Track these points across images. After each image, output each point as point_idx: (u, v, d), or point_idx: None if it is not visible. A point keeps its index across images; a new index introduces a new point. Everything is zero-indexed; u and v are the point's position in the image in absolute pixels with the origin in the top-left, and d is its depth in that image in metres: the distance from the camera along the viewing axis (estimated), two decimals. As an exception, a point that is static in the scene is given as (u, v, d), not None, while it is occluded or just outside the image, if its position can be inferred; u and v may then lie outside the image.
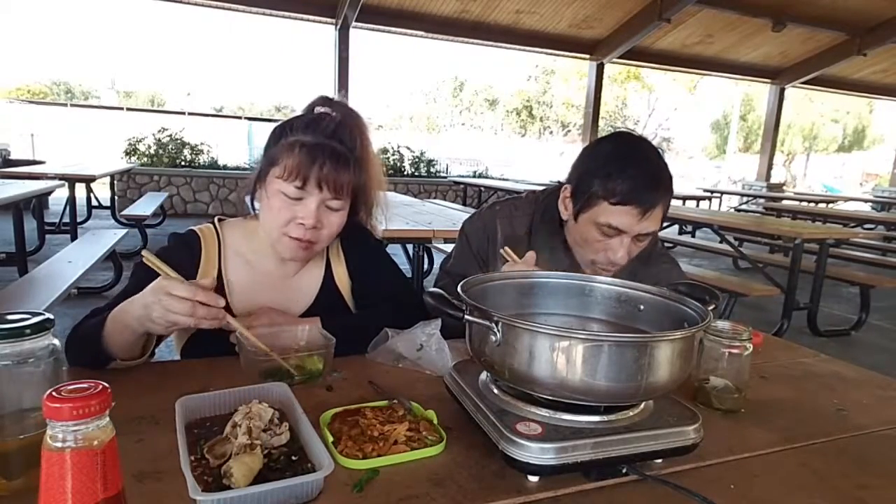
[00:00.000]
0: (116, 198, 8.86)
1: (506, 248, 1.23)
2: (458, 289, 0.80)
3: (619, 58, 11.13)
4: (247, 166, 10.38)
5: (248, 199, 1.25)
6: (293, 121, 1.19)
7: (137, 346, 1.00)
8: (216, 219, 1.28)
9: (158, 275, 0.96)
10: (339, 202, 1.16)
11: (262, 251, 1.24)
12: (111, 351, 0.97)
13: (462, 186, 10.26)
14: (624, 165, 1.19)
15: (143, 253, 0.98)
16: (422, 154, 11.57)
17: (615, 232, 1.20)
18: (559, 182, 1.38)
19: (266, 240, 1.21)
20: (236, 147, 12.47)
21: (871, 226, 7.86)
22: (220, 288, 1.20)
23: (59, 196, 5.93)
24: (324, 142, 1.14)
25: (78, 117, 16.61)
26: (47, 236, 5.97)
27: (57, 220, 6.40)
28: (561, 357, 0.70)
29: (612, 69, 15.73)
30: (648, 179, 1.18)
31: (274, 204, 1.15)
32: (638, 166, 1.19)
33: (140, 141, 9.76)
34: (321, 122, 1.17)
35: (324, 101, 1.23)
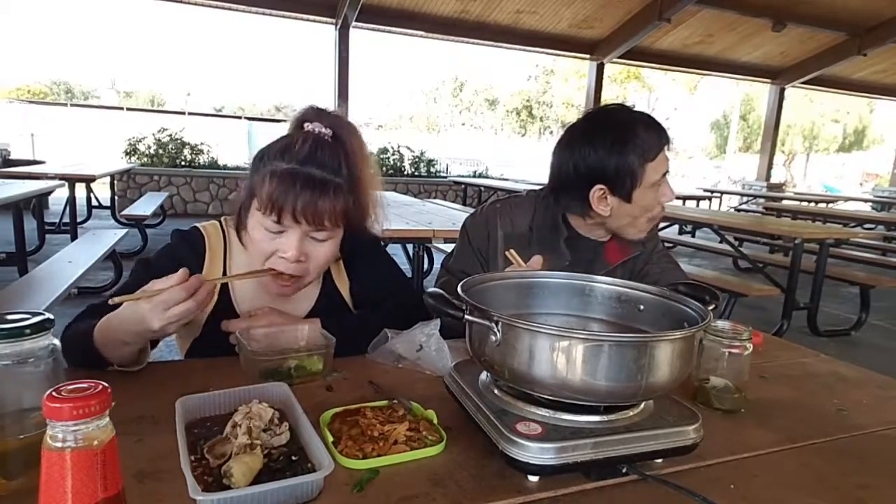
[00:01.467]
0: (116, 198, 8.86)
1: (511, 251, 1.23)
2: (458, 289, 0.80)
3: (619, 58, 11.13)
4: (247, 166, 10.37)
5: (235, 231, 1.19)
6: (272, 145, 1.10)
7: (135, 356, 0.99)
8: (223, 218, 1.26)
9: (158, 275, 0.95)
10: (324, 233, 1.09)
11: None
12: (107, 361, 0.97)
13: (462, 186, 10.26)
14: (635, 129, 1.25)
15: (112, 300, 0.91)
16: (422, 154, 11.57)
17: (664, 177, 1.29)
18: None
19: None
20: (236, 147, 12.49)
21: (871, 226, 7.86)
22: (223, 288, 1.20)
23: (59, 196, 5.93)
24: (297, 169, 1.04)
25: (78, 117, 16.62)
26: (47, 236, 5.96)
27: (57, 220, 6.40)
28: (561, 357, 0.70)
29: (612, 69, 15.72)
30: (654, 123, 1.28)
31: (255, 236, 1.09)
32: (641, 122, 1.27)
33: (140, 141, 9.76)
34: (296, 146, 1.06)
35: (313, 113, 1.15)
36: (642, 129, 1.25)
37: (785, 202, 10.25)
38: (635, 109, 1.31)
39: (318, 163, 1.06)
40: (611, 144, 1.25)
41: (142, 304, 0.89)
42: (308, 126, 1.12)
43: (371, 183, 1.19)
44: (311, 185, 1.04)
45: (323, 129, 1.12)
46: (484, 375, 0.86)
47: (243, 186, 1.13)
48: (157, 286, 0.91)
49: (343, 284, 1.30)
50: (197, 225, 1.24)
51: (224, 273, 1.20)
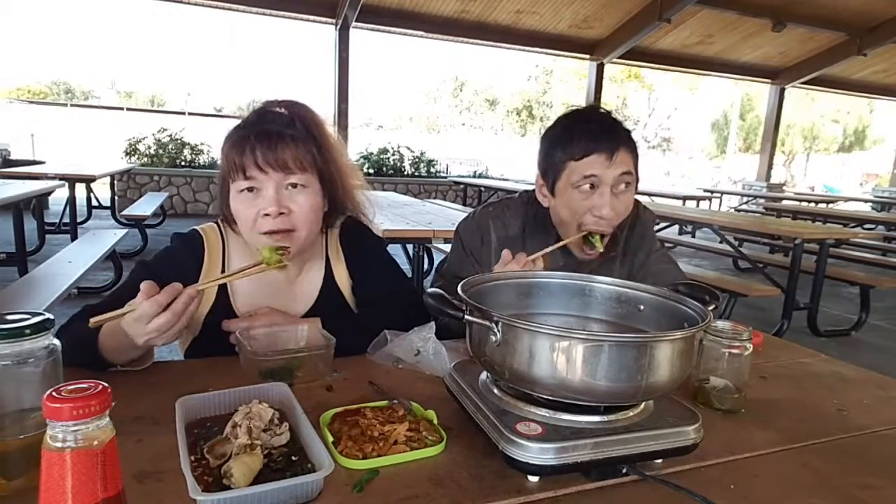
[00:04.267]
0: (116, 198, 8.86)
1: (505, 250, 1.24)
2: (458, 289, 0.80)
3: (620, 58, 11.13)
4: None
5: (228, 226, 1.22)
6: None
7: (138, 355, 1.00)
8: (220, 219, 1.26)
9: (158, 275, 0.95)
10: (296, 176, 1.11)
11: None
12: (110, 362, 0.98)
13: (462, 186, 10.26)
14: (575, 126, 1.30)
15: (92, 322, 0.89)
16: (422, 154, 11.57)
17: (591, 184, 1.25)
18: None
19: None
20: (236, 147, 12.45)
21: (871, 226, 7.87)
22: (223, 290, 1.20)
23: (59, 196, 5.93)
24: (250, 129, 1.12)
25: (78, 117, 16.63)
26: (47, 236, 5.96)
27: (57, 220, 6.40)
28: (561, 357, 0.70)
29: (612, 69, 15.71)
30: (600, 126, 1.28)
31: (238, 209, 1.12)
32: (588, 122, 1.30)
33: (140, 141, 9.76)
34: (243, 119, 1.17)
35: (269, 103, 1.21)
36: (578, 127, 1.28)
37: (785, 202, 10.25)
38: (601, 114, 1.33)
39: (268, 121, 1.14)
40: (551, 138, 1.32)
41: (124, 321, 0.90)
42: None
43: (338, 151, 1.23)
44: (265, 135, 1.10)
45: (278, 109, 1.18)
46: (484, 375, 0.86)
47: (218, 179, 1.18)
48: (133, 304, 0.90)
49: (344, 283, 1.30)
50: (196, 228, 1.24)
51: (223, 273, 1.20)
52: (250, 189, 1.10)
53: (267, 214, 1.09)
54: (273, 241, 1.10)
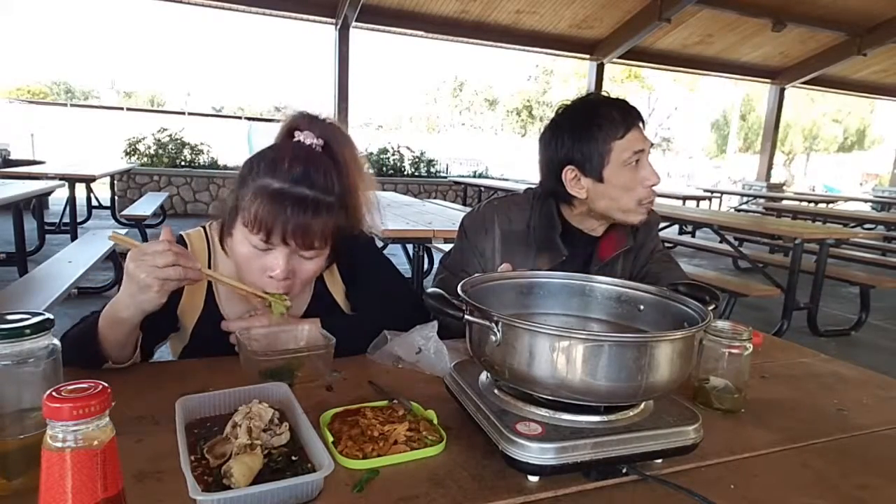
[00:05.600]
0: (116, 198, 8.86)
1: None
2: (458, 289, 0.80)
3: (619, 58, 11.13)
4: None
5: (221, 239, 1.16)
6: (259, 158, 1.06)
7: (131, 343, 0.99)
8: (208, 224, 1.23)
9: None
10: (313, 251, 1.07)
11: None
12: (105, 351, 0.97)
13: (462, 186, 10.26)
14: (599, 109, 1.29)
15: (111, 235, 0.91)
16: (422, 154, 11.56)
17: (638, 156, 1.27)
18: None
19: None
20: (236, 147, 12.46)
21: (871, 226, 7.86)
22: (209, 296, 1.18)
23: (59, 196, 5.93)
24: (287, 190, 1.00)
25: (78, 117, 16.63)
26: (47, 236, 5.96)
27: (57, 220, 6.41)
28: (561, 357, 0.70)
29: (612, 69, 15.71)
30: (618, 102, 1.31)
31: (240, 251, 1.07)
32: (606, 102, 1.31)
33: (140, 141, 9.76)
34: (286, 161, 1.02)
35: (304, 121, 1.11)
36: (605, 109, 1.28)
37: (785, 202, 10.24)
38: (602, 95, 1.36)
39: (309, 182, 1.02)
40: (577, 127, 1.30)
41: (130, 253, 0.91)
42: (298, 135, 1.09)
43: (364, 188, 1.16)
44: (302, 206, 1.00)
45: (314, 140, 1.09)
46: (484, 375, 0.86)
47: (229, 196, 1.09)
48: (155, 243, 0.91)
49: (337, 289, 1.28)
50: (181, 233, 1.21)
51: (209, 282, 1.18)
52: (264, 249, 1.05)
53: (272, 277, 1.05)
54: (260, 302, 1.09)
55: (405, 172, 11.30)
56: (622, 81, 24.16)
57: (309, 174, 1.02)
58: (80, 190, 6.98)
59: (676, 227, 7.96)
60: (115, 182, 8.97)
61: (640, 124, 1.29)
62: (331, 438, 0.78)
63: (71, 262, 3.57)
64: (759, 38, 10.82)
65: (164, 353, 1.25)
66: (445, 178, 11.52)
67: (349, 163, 1.11)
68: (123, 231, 4.82)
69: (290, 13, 9.02)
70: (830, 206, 10.25)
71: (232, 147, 11.73)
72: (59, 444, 0.45)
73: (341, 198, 1.07)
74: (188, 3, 9.00)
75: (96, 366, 0.98)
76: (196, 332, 1.17)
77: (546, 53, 11.89)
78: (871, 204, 12.43)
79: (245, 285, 1.07)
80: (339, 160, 1.10)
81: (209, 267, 1.18)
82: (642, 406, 0.79)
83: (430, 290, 0.82)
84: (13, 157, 9.91)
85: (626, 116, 1.27)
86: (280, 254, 1.04)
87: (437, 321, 1.10)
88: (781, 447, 0.86)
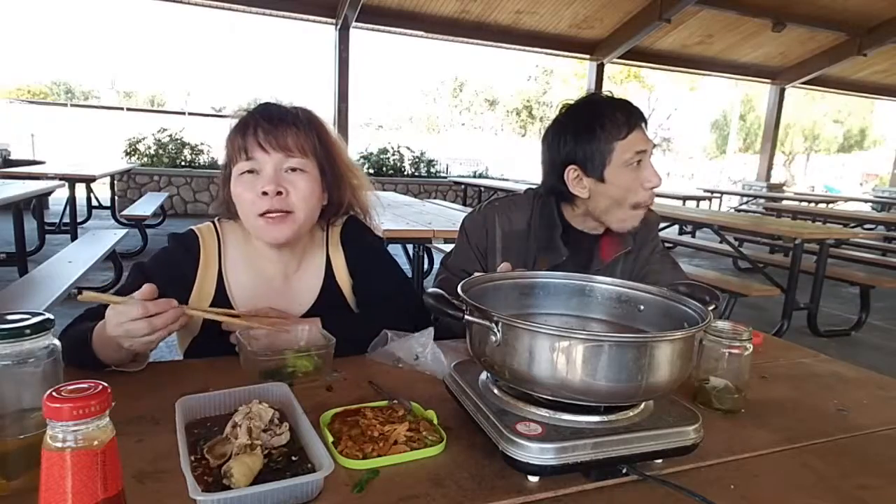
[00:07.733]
0: (116, 198, 8.86)
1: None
2: (459, 289, 0.80)
3: (620, 58, 11.13)
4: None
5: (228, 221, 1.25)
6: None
7: (131, 357, 0.99)
8: (216, 218, 1.27)
9: (154, 276, 0.95)
10: (296, 160, 1.14)
11: (262, 251, 1.23)
12: (105, 362, 0.97)
13: (462, 186, 10.25)
14: (601, 109, 1.29)
15: (81, 296, 0.90)
16: (422, 154, 11.56)
17: (640, 157, 1.28)
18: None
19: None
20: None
21: (871, 226, 7.85)
22: (220, 288, 1.20)
23: (59, 196, 5.93)
24: (252, 114, 1.16)
25: (78, 117, 16.64)
26: (47, 236, 5.96)
27: (57, 220, 6.40)
28: (561, 357, 0.70)
29: (612, 69, 15.71)
30: (622, 103, 1.31)
31: (238, 190, 1.14)
32: (608, 103, 1.31)
33: (140, 141, 9.76)
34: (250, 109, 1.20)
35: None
36: (608, 109, 1.28)
37: (785, 202, 10.24)
38: (606, 95, 1.35)
39: (271, 108, 1.18)
40: (579, 126, 1.30)
41: (108, 312, 0.90)
42: None
43: (339, 148, 1.25)
44: (268, 118, 1.14)
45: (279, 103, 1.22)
46: (484, 375, 0.86)
47: (221, 169, 1.22)
48: (129, 298, 0.90)
49: (344, 281, 1.30)
50: (192, 227, 1.24)
51: (220, 274, 1.20)
52: (251, 171, 1.13)
53: (265, 193, 1.11)
54: (269, 225, 1.12)
55: (405, 172, 11.30)
56: (622, 81, 24.16)
57: (269, 105, 1.19)
58: (81, 190, 6.98)
59: (676, 227, 7.96)
60: (116, 182, 8.96)
61: (643, 125, 1.30)
62: (331, 438, 0.78)
63: (71, 262, 3.57)
64: (759, 38, 10.82)
65: (165, 352, 1.25)
66: (445, 178, 11.52)
67: (314, 118, 1.22)
68: (123, 232, 4.82)
69: (290, 13, 9.01)
70: (830, 206, 10.24)
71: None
72: (59, 445, 0.45)
73: (307, 125, 1.18)
74: (188, 3, 9.00)
75: (98, 369, 0.98)
76: (208, 323, 1.17)
77: (546, 53, 11.88)
78: (871, 204, 12.43)
79: (239, 320, 1.07)
80: (302, 110, 1.22)
81: (219, 257, 1.22)
82: (642, 406, 0.79)
83: (430, 290, 0.82)
84: (13, 157, 9.91)
85: (629, 117, 1.27)
86: (266, 168, 1.12)
87: (433, 327, 1.11)
88: (781, 447, 0.86)
